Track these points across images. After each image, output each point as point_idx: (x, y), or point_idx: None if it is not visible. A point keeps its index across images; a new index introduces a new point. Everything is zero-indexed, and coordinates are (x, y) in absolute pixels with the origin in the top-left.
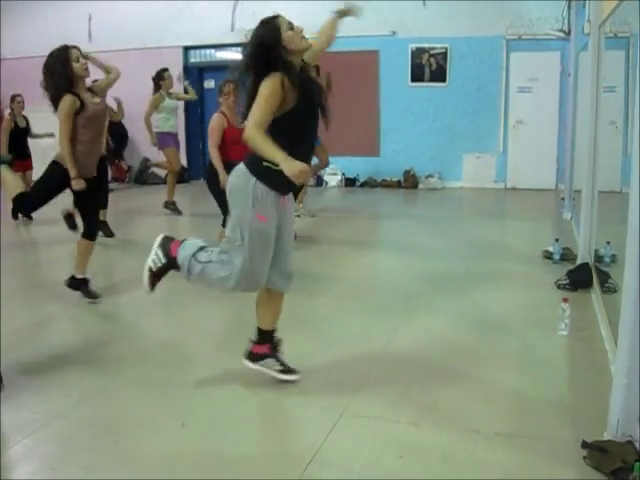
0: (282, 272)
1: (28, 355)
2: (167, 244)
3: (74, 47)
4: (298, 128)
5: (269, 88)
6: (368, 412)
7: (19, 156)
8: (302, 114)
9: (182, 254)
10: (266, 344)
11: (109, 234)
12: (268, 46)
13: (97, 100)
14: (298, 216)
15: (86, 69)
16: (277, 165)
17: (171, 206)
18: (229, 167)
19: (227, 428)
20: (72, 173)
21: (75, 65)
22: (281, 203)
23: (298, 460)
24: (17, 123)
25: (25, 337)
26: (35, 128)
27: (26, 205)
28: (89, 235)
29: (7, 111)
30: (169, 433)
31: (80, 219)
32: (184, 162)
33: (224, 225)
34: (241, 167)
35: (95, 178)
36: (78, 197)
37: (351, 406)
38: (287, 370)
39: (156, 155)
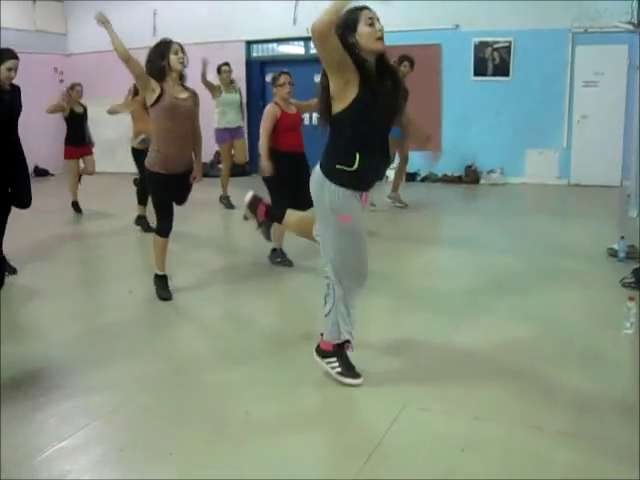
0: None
1: (99, 341)
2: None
3: (177, 43)
4: (362, 121)
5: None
6: (430, 406)
7: (75, 142)
8: (364, 107)
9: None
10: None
11: (148, 229)
12: (341, 33)
13: (184, 95)
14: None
15: (182, 63)
16: (350, 166)
17: (224, 201)
18: (279, 156)
19: (290, 419)
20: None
21: (172, 57)
22: (362, 198)
23: (360, 452)
24: (73, 109)
25: (94, 324)
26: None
27: (162, 228)
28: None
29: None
30: (232, 420)
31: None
32: (247, 155)
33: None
34: (317, 172)
35: (181, 176)
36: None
37: (413, 400)
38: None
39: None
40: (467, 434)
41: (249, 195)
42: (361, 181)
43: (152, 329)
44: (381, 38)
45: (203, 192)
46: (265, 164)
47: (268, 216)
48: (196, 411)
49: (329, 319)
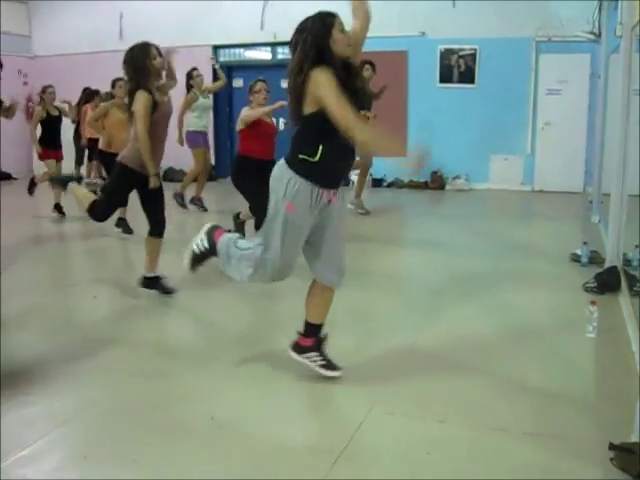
0: (331, 266)
1: (63, 346)
2: (212, 232)
3: (154, 45)
4: (331, 123)
5: (329, 80)
6: (395, 409)
7: (50, 145)
8: None
9: (224, 240)
10: (311, 337)
11: (128, 231)
12: (316, 39)
13: (165, 99)
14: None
15: (163, 67)
16: (313, 156)
17: (198, 202)
18: (250, 163)
19: (256, 421)
20: (152, 170)
21: (154, 62)
22: (324, 197)
23: (327, 454)
24: (49, 112)
25: (59, 325)
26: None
27: (100, 213)
28: (158, 232)
29: (37, 100)
30: (200, 424)
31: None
32: (212, 160)
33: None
34: (280, 164)
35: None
36: (147, 195)
37: (378, 403)
38: (329, 366)
39: (180, 155)
40: (433, 436)
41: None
42: (322, 175)
43: (118, 333)
44: (351, 44)
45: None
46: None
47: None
48: (162, 415)
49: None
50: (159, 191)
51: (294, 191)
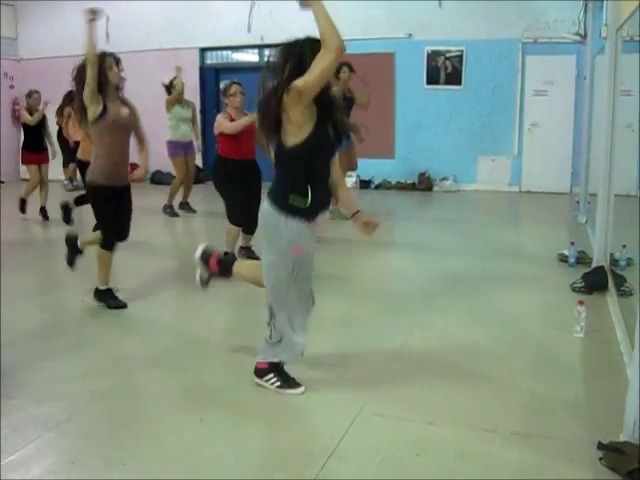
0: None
1: (50, 350)
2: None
3: (111, 55)
4: (314, 156)
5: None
6: (385, 411)
7: (34, 149)
8: (318, 143)
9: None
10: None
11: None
12: (303, 65)
13: (125, 111)
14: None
15: (120, 77)
16: (304, 202)
17: (186, 206)
18: (231, 164)
19: (246, 425)
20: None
21: (109, 73)
22: (315, 226)
23: (317, 456)
24: (32, 116)
25: (47, 332)
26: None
27: (108, 239)
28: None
29: (24, 106)
30: (188, 429)
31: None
32: (200, 163)
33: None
34: (266, 207)
35: (122, 190)
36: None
37: (368, 405)
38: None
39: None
40: (422, 438)
41: (200, 249)
42: (313, 212)
43: (105, 338)
44: (343, 62)
45: (154, 197)
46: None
47: (220, 267)
48: (150, 419)
49: (270, 343)
50: (128, 202)
51: (296, 233)
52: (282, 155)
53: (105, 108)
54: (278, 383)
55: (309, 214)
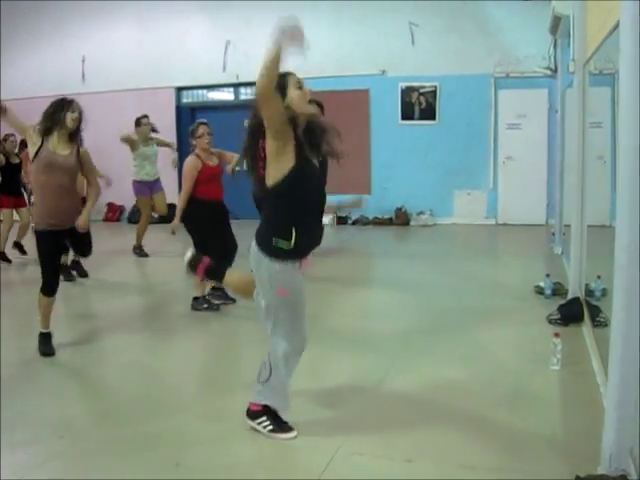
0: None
1: (23, 393)
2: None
3: (70, 101)
4: (300, 192)
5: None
6: (362, 450)
7: (9, 193)
8: (301, 177)
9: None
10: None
11: (84, 274)
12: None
13: (66, 152)
14: None
15: (75, 122)
16: (288, 244)
17: (137, 251)
18: (200, 205)
19: (222, 468)
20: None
21: (68, 115)
22: (303, 265)
23: None
24: (9, 160)
25: (18, 375)
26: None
27: (49, 287)
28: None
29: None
30: (164, 473)
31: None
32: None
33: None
34: (253, 249)
35: (66, 233)
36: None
37: (345, 444)
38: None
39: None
40: (400, 476)
41: (188, 254)
42: (299, 253)
43: (79, 378)
44: (312, 101)
45: (128, 237)
46: (175, 224)
47: (208, 274)
48: (124, 464)
49: (263, 384)
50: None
51: (280, 275)
52: (267, 195)
53: (41, 146)
54: (271, 427)
55: (296, 255)
